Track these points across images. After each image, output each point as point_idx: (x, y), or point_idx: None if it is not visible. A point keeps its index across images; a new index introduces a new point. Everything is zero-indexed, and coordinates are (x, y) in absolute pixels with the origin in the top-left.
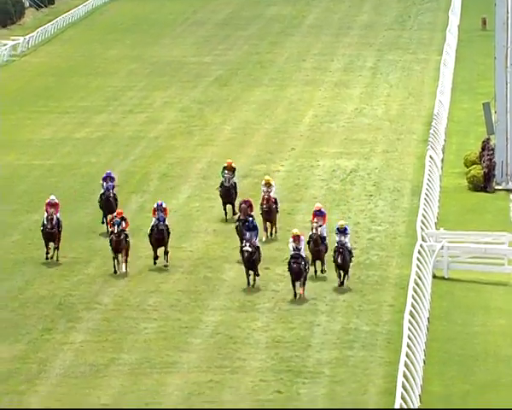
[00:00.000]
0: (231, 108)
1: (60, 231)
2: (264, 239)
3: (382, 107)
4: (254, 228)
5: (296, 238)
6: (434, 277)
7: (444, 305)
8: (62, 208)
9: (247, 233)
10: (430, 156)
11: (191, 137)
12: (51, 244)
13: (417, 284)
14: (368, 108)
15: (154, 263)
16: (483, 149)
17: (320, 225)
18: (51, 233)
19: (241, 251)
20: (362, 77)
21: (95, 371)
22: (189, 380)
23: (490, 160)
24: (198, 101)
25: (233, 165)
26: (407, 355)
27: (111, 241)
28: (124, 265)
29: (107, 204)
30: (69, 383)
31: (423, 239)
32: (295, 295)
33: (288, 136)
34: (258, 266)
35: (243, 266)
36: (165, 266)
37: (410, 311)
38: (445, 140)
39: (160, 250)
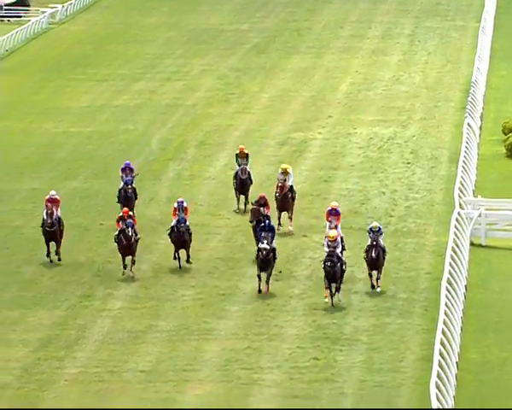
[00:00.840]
0: (268, 75)
1: (61, 230)
2: (279, 230)
3: (420, 74)
4: (271, 230)
5: (332, 240)
6: (472, 244)
7: (481, 272)
8: (100, 175)
9: (263, 233)
10: (468, 124)
11: (228, 104)
12: (52, 245)
13: (455, 252)
14: (405, 75)
15: (174, 258)
16: None
17: (336, 226)
18: (51, 232)
19: (258, 250)
20: (399, 44)
21: (133, 337)
22: (227, 347)
23: None
24: (235, 68)
25: (245, 151)
26: (444, 323)
27: (119, 242)
28: (132, 267)
29: (126, 200)
30: (107, 350)
31: (461, 207)
32: (332, 296)
33: (325, 103)
34: (273, 270)
35: (256, 268)
36: (189, 262)
37: (448, 278)
38: (482, 108)
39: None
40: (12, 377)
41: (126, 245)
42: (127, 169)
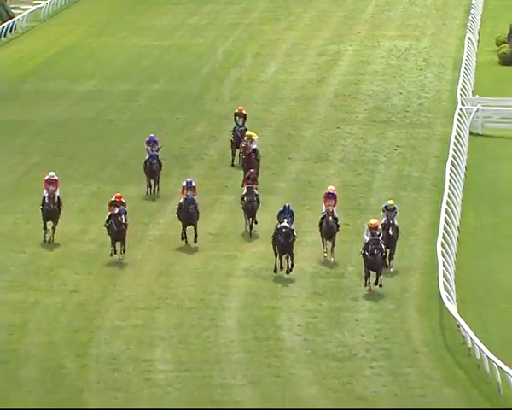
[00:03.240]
0: (306, 1)
1: (60, 209)
2: (244, 188)
3: (428, 0)
4: (291, 213)
5: (374, 228)
6: (471, 134)
7: (478, 156)
8: (176, 79)
9: (284, 219)
10: (468, 38)
11: (278, 23)
12: (49, 224)
13: (457, 140)
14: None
15: (182, 239)
16: (511, 31)
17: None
18: (52, 211)
19: (277, 230)
20: None
21: (202, 208)
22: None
23: None
24: None
25: (244, 111)
26: (448, 196)
27: (110, 228)
28: (122, 253)
29: (151, 171)
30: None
31: (462, 104)
32: (367, 285)
33: (354, 22)
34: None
35: (276, 251)
36: (195, 241)
37: (451, 161)
38: (480, 25)
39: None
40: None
41: (117, 231)
42: (151, 142)
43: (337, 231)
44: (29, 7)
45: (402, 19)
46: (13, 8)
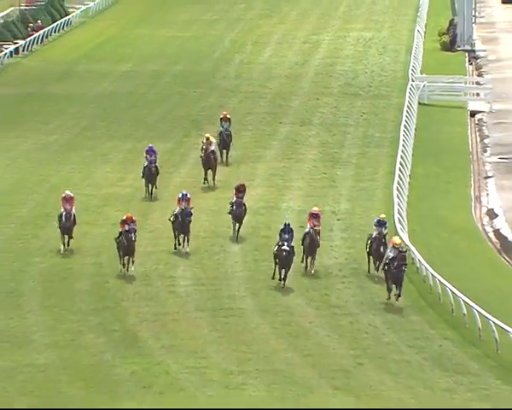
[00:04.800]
0: (295, 0)
1: (74, 225)
2: (205, 184)
3: (387, 0)
4: (290, 231)
5: (398, 246)
6: (419, 103)
7: (425, 120)
8: (194, 62)
9: (285, 236)
10: (417, 30)
11: (271, 18)
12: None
13: (408, 108)
14: (379, 1)
15: (175, 248)
16: (450, 24)
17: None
18: (68, 228)
19: (279, 250)
20: None
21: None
22: (271, 166)
23: (453, 31)
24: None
25: (228, 116)
26: (402, 151)
27: (120, 243)
28: (131, 265)
29: (149, 176)
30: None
31: (412, 80)
32: (389, 296)
33: (330, 18)
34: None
35: (277, 266)
36: (186, 246)
37: (404, 124)
38: (426, 20)
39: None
40: None
41: (127, 246)
42: (150, 151)
43: (318, 246)
44: (81, 6)
45: (366, 15)
46: (69, 7)
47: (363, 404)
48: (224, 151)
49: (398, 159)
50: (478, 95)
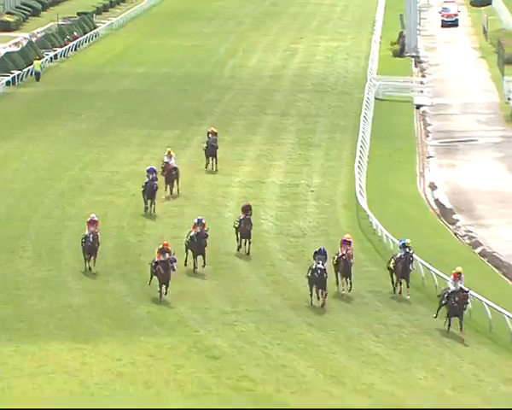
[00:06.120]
0: (276, 17)
1: (98, 245)
2: (163, 197)
3: (350, 16)
4: (324, 253)
5: (457, 276)
6: (375, 98)
7: (380, 111)
8: (196, 66)
9: (317, 256)
10: (374, 40)
11: (258, 31)
12: (90, 258)
13: (367, 102)
14: (344, 17)
15: (185, 264)
16: (399, 36)
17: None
18: (93, 247)
19: (314, 269)
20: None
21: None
22: (257, 148)
23: (402, 41)
24: (260, 14)
25: (215, 130)
26: (362, 136)
27: (157, 271)
28: (166, 291)
29: (151, 193)
30: None
31: (370, 80)
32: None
33: (305, 31)
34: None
35: (311, 286)
36: (203, 266)
37: (364, 115)
38: (381, 32)
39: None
40: None
41: (164, 275)
42: (151, 171)
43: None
44: (106, 21)
45: (333, 29)
46: (97, 22)
47: (331, 337)
48: (211, 158)
49: (359, 143)
50: (422, 92)
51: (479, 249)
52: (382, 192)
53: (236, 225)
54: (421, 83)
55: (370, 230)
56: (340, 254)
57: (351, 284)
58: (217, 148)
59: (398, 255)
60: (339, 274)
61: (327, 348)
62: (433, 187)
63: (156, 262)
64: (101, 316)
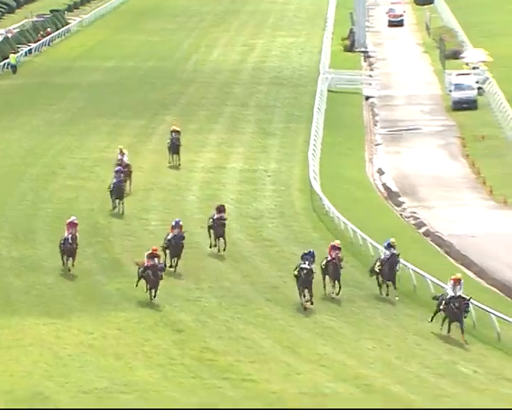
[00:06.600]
0: (235, 14)
1: (77, 247)
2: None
3: (304, 14)
4: (312, 255)
5: (457, 282)
6: (328, 90)
7: (332, 103)
8: (161, 60)
9: (306, 258)
10: (326, 36)
11: (219, 27)
12: (68, 259)
13: (320, 94)
14: (298, 15)
15: (170, 267)
16: (349, 32)
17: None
18: (72, 249)
19: (300, 269)
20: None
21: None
22: (219, 137)
23: (352, 37)
24: (220, 11)
25: (177, 129)
26: (316, 125)
27: (147, 277)
28: (155, 294)
29: (118, 192)
30: None
31: (323, 73)
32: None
33: (262, 27)
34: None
35: (298, 286)
36: (175, 271)
37: (317, 105)
38: (332, 28)
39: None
40: None
41: (153, 280)
42: (119, 171)
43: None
44: (77, 18)
45: (289, 25)
46: (68, 19)
47: (288, 312)
48: (175, 156)
49: (313, 131)
50: (370, 84)
51: (423, 229)
52: (334, 177)
53: (210, 224)
54: (370, 76)
55: (323, 211)
56: (330, 258)
57: (339, 287)
58: (179, 145)
59: (383, 257)
60: (327, 277)
61: (284, 322)
62: (380, 172)
63: (146, 267)
64: (74, 293)
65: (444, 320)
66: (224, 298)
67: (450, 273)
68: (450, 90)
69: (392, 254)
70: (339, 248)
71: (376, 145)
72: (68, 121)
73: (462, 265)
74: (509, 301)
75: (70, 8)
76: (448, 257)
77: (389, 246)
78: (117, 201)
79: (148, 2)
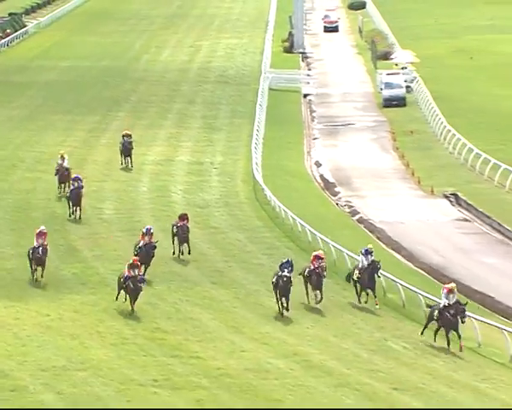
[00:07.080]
0: (183, 17)
1: (46, 258)
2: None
3: (246, 17)
4: (291, 264)
5: (450, 291)
6: (269, 89)
7: (272, 100)
8: (114, 59)
9: (284, 266)
10: (267, 38)
11: (168, 30)
12: (38, 269)
13: (262, 92)
14: (242, 18)
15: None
16: (289, 34)
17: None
18: (40, 259)
19: (279, 277)
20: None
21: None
22: (168, 132)
23: (291, 39)
24: (171, 15)
25: (129, 133)
26: (258, 121)
27: (127, 287)
28: (134, 304)
29: (75, 199)
30: None
31: (264, 73)
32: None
33: (208, 30)
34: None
35: (276, 295)
36: (143, 279)
37: (259, 102)
38: (273, 31)
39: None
40: None
41: (134, 290)
42: (77, 179)
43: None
44: (34, 21)
45: (233, 28)
46: (26, 21)
47: (232, 294)
48: (128, 158)
49: (255, 126)
50: (308, 83)
51: (356, 217)
52: (275, 169)
53: (175, 231)
54: (308, 75)
55: (265, 201)
56: (313, 268)
57: (321, 296)
58: (131, 149)
59: (361, 265)
60: (310, 287)
61: (228, 303)
62: (318, 164)
63: (126, 277)
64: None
65: (436, 332)
66: (172, 282)
67: (381, 257)
68: (381, 89)
69: (373, 262)
70: (322, 258)
71: (314, 139)
72: (27, 117)
73: (392, 249)
74: (435, 283)
75: (28, 12)
76: (379, 242)
77: (367, 253)
78: (74, 208)
79: (102, 6)
